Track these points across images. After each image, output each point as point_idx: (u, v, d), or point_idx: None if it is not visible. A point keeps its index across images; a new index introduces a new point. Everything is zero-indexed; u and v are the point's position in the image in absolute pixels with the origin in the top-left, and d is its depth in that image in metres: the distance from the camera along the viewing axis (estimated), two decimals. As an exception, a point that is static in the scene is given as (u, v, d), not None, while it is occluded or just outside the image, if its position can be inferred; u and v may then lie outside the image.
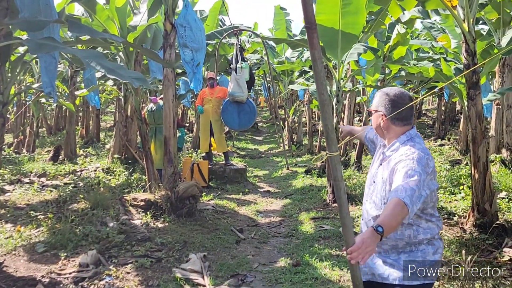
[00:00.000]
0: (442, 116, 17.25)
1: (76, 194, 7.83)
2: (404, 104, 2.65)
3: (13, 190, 8.32)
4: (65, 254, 5.26)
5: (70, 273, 4.81)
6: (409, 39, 10.26)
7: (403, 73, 11.48)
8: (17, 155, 12.87)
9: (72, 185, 8.76)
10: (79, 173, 10.17)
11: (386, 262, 2.62)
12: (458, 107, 20.26)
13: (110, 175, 9.73)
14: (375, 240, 2.25)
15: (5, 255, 5.27)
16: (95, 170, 10.31)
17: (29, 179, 9.28)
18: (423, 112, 24.32)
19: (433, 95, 20.64)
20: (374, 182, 2.70)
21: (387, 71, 11.44)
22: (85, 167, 10.91)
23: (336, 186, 2.33)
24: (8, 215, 6.75)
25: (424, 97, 12.44)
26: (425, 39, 13.44)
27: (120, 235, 5.81)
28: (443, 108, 17.63)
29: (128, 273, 4.90)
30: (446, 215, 6.86)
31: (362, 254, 2.19)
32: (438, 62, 10.41)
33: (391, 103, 2.68)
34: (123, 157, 11.22)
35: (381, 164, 2.71)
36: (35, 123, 14.43)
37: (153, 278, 4.83)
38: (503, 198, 7.26)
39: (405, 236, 2.60)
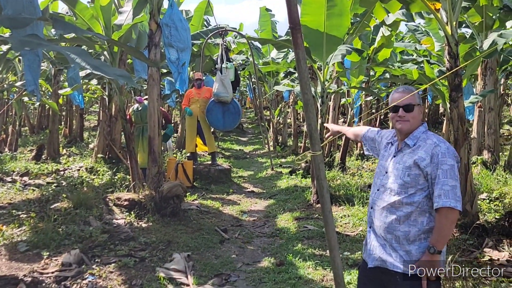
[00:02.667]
0: (426, 118, 17.44)
1: (59, 194, 7.76)
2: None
3: (-5, 189, 8.22)
4: (47, 253, 5.22)
5: (52, 272, 4.78)
6: (393, 41, 10.36)
7: (387, 75, 11.59)
8: (-1, 154, 12.72)
9: (55, 184, 8.68)
10: (62, 173, 10.08)
11: (397, 251, 2.70)
12: (441, 110, 20.48)
13: (94, 175, 9.66)
14: (436, 258, 2.59)
15: (-14, 254, 5.21)
16: (79, 170, 10.23)
17: (12, 178, 9.17)
18: (407, 114, 24.52)
19: (417, 98, 20.84)
20: (386, 173, 2.83)
21: (371, 73, 11.54)
22: (68, 166, 10.82)
23: (319, 184, 2.36)
24: (-10, 215, 6.67)
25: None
26: (409, 42, 13.60)
27: (104, 234, 5.78)
28: (426, 110, 17.82)
29: (111, 272, 4.88)
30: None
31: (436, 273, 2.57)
32: (422, 65, 10.54)
33: (418, 96, 2.90)
34: (107, 156, 11.15)
35: (395, 156, 2.84)
36: (18, 122, 14.26)
37: (136, 277, 4.82)
38: (484, 199, 7.36)
39: (418, 223, 2.69)
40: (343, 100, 12.77)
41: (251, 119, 30.35)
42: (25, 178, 9.27)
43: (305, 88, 2.23)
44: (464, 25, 9.56)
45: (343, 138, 11.17)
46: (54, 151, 12.14)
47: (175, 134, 15.98)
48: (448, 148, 2.69)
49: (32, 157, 11.86)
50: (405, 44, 12.46)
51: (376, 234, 2.82)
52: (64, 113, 18.46)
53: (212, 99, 10.03)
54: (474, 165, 9.26)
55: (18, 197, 7.67)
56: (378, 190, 2.85)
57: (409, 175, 2.70)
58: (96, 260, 5.14)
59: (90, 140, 16.88)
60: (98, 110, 24.05)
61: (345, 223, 6.80)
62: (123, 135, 10.27)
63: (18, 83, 10.36)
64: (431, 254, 2.58)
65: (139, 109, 8.91)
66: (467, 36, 9.03)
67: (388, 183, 2.79)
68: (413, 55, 13.40)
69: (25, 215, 6.57)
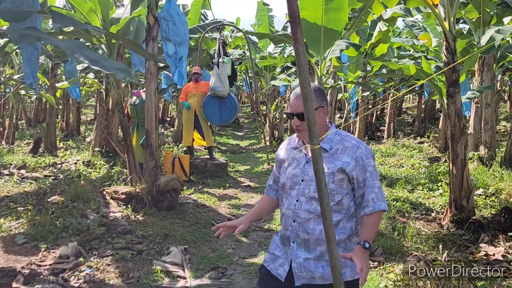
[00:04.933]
0: (422, 114, 17.48)
1: (57, 187, 7.77)
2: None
3: (-8, 181, 8.23)
4: (45, 246, 5.24)
5: (50, 265, 4.80)
6: (390, 36, 10.38)
7: (384, 70, 11.60)
8: (-4, 147, 12.70)
9: (52, 177, 8.68)
10: (59, 166, 10.08)
11: (326, 261, 2.55)
12: (438, 106, 20.56)
13: (91, 168, 9.66)
14: (367, 255, 2.50)
15: (-16, 246, 5.23)
16: (76, 163, 10.23)
17: (9, 171, 9.17)
18: (404, 110, 24.59)
19: (413, 93, 20.88)
20: (302, 181, 2.64)
21: (368, 68, 11.56)
22: (65, 159, 10.81)
23: (317, 178, 2.37)
24: (-13, 207, 6.68)
25: (405, 94, 12.60)
26: (406, 37, 13.59)
27: (101, 227, 5.80)
28: (423, 106, 17.86)
29: (108, 265, 4.91)
30: (424, 211, 6.98)
31: (367, 273, 2.40)
32: (419, 60, 10.56)
33: (322, 95, 2.71)
34: (104, 150, 11.16)
35: (307, 162, 2.64)
36: (15, 115, 14.22)
37: (133, 270, 4.85)
38: (480, 194, 7.42)
39: (347, 229, 2.63)
40: (339, 95, 12.80)
41: (248, 113, 30.37)
42: (23, 171, 9.27)
43: (304, 82, 2.24)
44: (461, 20, 9.58)
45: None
46: (51, 144, 12.14)
47: (172, 128, 15.96)
48: (367, 149, 2.65)
49: (29, 150, 11.85)
50: (402, 39, 12.47)
51: (303, 249, 2.63)
52: (61, 107, 18.45)
53: (209, 93, 10.03)
54: (470, 161, 9.30)
55: (16, 190, 7.68)
56: (297, 201, 2.65)
57: (334, 182, 2.58)
58: (94, 253, 5.17)
59: (87, 133, 16.86)
60: (94, 104, 24.02)
61: (342, 218, 6.83)
62: (120, 129, 10.29)
63: (16, 76, 10.34)
64: (366, 249, 2.49)
65: (136, 102, 8.91)
66: (465, 32, 9.05)
67: (310, 193, 2.61)
68: (410, 51, 13.39)
69: (23, 208, 6.58)
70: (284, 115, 2.88)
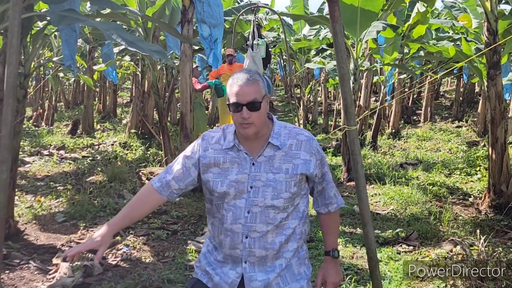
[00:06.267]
0: (461, 98, 17.06)
1: (94, 167, 7.96)
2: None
3: (33, 161, 8.49)
4: (84, 224, 5.39)
5: (89, 243, 4.92)
6: (429, 17, 10.12)
7: (421, 52, 11.35)
8: (36, 128, 13.05)
9: (90, 158, 8.89)
10: (96, 147, 10.30)
11: (281, 277, 2.24)
12: (477, 89, 20.00)
13: (127, 150, 9.84)
14: (338, 266, 2.41)
15: (26, 224, 5.41)
16: (112, 144, 10.44)
17: (49, 152, 9.43)
18: (441, 93, 24.04)
19: (452, 76, 20.38)
20: (251, 188, 2.17)
21: (405, 51, 11.32)
22: (102, 141, 11.04)
23: (353, 159, 2.36)
24: (29, 186, 6.91)
25: (443, 76, 12.32)
26: (445, 19, 13.24)
27: (137, 207, 5.90)
28: (461, 89, 17.42)
29: (144, 244, 5.01)
30: (461, 196, 6.86)
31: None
32: (458, 42, 10.29)
33: (266, 83, 2.25)
34: (139, 132, 11.33)
35: (254, 164, 2.19)
36: (54, 97, 14.57)
37: (169, 249, 4.93)
38: (519, 179, 7.22)
39: (302, 234, 2.32)
40: (375, 78, 12.60)
41: (281, 97, 30.22)
42: (62, 152, 9.51)
43: (342, 62, 2.22)
44: (503, 1, 9.25)
45: (375, 116, 11.07)
46: (88, 126, 12.40)
47: (206, 111, 16.05)
48: (315, 139, 2.29)
49: (67, 131, 12.15)
50: (441, 21, 12.16)
51: (258, 269, 2.21)
52: (98, 89, 18.77)
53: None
54: (510, 145, 9.05)
55: (55, 170, 7.89)
56: (249, 212, 2.17)
57: (295, 184, 2.19)
58: (130, 232, 5.27)
59: (123, 115, 17.14)
60: (130, 86, 24.34)
61: (376, 202, 6.76)
62: (155, 111, 10.40)
63: (55, 58, 10.54)
64: (335, 258, 2.34)
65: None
66: (506, 13, 8.74)
67: (265, 201, 2.16)
68: (449, 32, 13.06)
69: (62, 187, 6.77)
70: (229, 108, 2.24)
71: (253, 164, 2.17)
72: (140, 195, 2.32)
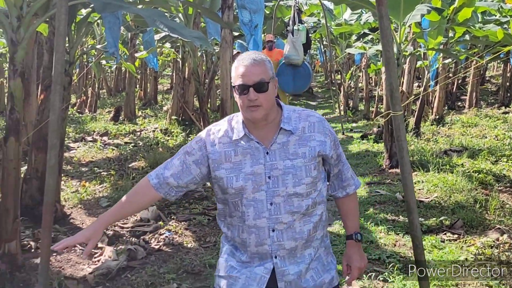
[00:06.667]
0: (507, 83, 16.48)
1: (136, 153, 8.09)
2: None
3: (78, 147, 8.71)
4: (127, 209, 5.49)
5: (132, 227, 5.03)
6: (475, 0, 9.79)
7: (467, 36, 11.01)
8: (80, 115, 13.38)
9: (132, 144, 9.06)
10: (138, 133, 10.48)
11: (314, 269, 2.17)
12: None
13: (168, 136, 9.97)
14: (361, 249, 2.30)
15: (72, 208, 5.57)
16: (154, 131, 10.59)
17: (92, 138, 9.65)
18: (487, 78, 23.31)
19: (498, 61, 19.71)
20: (269, 178, 2.07)
21: (450, 35, 11.00)
22: (144, 127, 11.22)
23: (399, 145, 2.30)
24: (74, 171, 7.09)
25: (489, 61, 11.93)
26: (492, 1, 12.78)
27: (179, 193, 5.98)
28: (508, 74, 16.84)
29: (186, 229, 5.07)
30: (508, 184, 6.66)
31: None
32: (505, 26, 9.92)
33: (271, 65, 2.12)
34: (180, 118, 11.44)
35: (268, 153, 2.08)
36: (97, 84, 14.87)
37: (210, 235, 4.98)
38: None
39: (326, 219, 2.25)
40: (419, 63, 12.30)
41: (321, 83, 29.95)
42: (105, 138, 9.72)
43: (387, 46, 2.16)
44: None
45: (418, 102, 10.83)
46: (130, 112, 12.61)
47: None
48: (325, 120, 2.20)
49: (110, 118, 12.40)
50: (488, 3, 11.72)
51: (289, 262, 2.12)
52: (139, 76, 19.05)
53: (283, 61, 9.96)
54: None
55: (99, 155, 8.07)
56: (271, 204, 2.07)
57: (315, 168, 2.11)
58: (172, 217, 5.35)
59: (163, 102, 17.35)
60: (170, 73, 24.59)
61: (419, 189, 6.63)
62: (196, 98, 10.47)
63: (98, 46, 10.74)
64: (359, 241, 2.26)
65: None
66: (559, -6, 8.37)
67: (287, 190, 2.06)
68: (496, 16, 12.60)
69: (106, 173, 6.92)
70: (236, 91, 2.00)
71: (267, 153, 2.08)
72: (136, 190, 2.23)
